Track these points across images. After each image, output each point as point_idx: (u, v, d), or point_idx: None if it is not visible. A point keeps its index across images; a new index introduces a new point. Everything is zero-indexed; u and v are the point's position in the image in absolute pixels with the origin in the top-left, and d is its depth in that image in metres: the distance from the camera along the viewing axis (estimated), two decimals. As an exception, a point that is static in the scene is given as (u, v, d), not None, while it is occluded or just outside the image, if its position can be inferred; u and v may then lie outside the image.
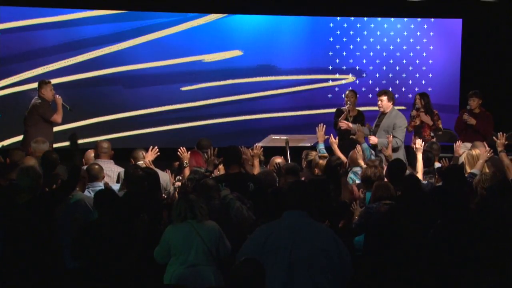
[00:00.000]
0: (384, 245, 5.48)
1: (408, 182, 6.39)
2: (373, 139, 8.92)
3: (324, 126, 8.79)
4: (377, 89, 12.79)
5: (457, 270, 5.36)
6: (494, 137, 8.13)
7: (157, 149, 7.57)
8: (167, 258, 5.54)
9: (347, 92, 10.31)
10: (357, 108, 10.25)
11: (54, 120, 9.54)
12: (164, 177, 7.44)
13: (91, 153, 8.04)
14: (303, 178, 7.10)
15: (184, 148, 7.69)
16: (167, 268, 5.56)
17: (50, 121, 9.54)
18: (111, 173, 7.74)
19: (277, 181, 7.02)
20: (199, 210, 5.54)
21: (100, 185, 6.94)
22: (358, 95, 10.34)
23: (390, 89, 12.85)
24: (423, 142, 8.22)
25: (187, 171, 7.41)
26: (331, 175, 6.88)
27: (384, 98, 9.29)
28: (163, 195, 7.07)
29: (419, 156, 7.79)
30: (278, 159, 7.63)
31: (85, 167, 7.09)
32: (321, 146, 8.45)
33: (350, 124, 9.52)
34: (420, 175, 7.56)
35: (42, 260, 5.65)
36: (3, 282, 5.60)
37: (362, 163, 7.91)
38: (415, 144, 8.02)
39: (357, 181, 7.66)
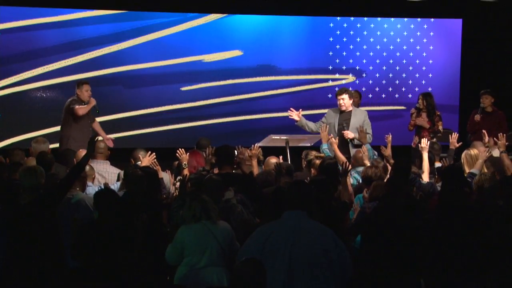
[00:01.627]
0: (374, 244, 5.50)
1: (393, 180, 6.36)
2: (350, 134, 8.95)
3: (328, 126, 8.81)
4: (377, 89, 12.84)
5: (456, 268, 5.37)
6: (494, 138, 8.14)
7: (154, 155, 7.55)
8: (180, 259, 5.48)
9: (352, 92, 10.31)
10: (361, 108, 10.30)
11: (76, 111, 9.30)
12: (164, 177, 7.44)
13: (82, 153, 7.94)
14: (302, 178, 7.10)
15: (182, 149, 7.68)
16: (178, 269, 5.50)
17: (74, 114, 9.34)
18: (106, 174, 7.72)
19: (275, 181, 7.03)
20: (213, 211, 5.52)
21: (89, 184, 6.95)
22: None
23: (390, 89, 12.92)
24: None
25: (186, 172, 7.40)
26: (327, 175, 6.87)
27: (346, 96, 9.29)
28: (163, 195, 7.06)
29: (425, 156, 7.78)
30: (274, 159, 7.62)
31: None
32: (325, 146, 8.45)
33: (300, 116, 9.45)
34: (426, 175, 7.56)
35: (45, 260, 5.64)
36: (7, 282, 5.60)
37: (367, 163, 7.91)
38: (420, 143, 8.03)
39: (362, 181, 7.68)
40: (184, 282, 5.42)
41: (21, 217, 5.68)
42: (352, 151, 8.76)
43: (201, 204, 5.50)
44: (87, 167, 7.05)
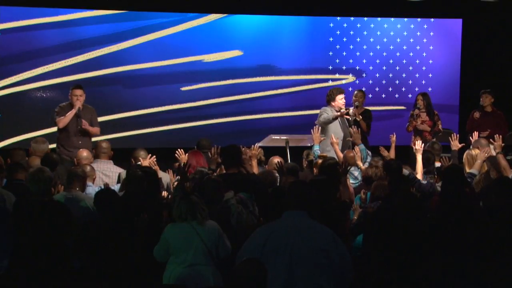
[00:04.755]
0: (377, 245, 5.49)
1: (396, 180, 6.35)
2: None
3: (320, 127, 8.77)
4: (377, 89, 12.84)
5: (455, 268, 5.37)
6: (490, 139, 8.15)
7: (154, 158, 7.53)
8: (166, 256, 5.55)
9: (356, 92, 10.28)
10: (364, 107, 10.33)
11: (57, 124, 9.15)
12: (165, 177, 7.44)
13: (83, 153, 7.95)
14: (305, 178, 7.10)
15: (182, 150, 7.68)
16: (166, 266, 5.56)
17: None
18: (111, 173, 7.73)
19: (278, 181, 7.02)
20: (200, 212, 5.54)
21: (90, 184, 6.95)
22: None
23: (390, 89, 12.93)
24: (425, 143, 8.23)
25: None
26: (328, 175, 6.87)
27: None
28: (164, 194, 7.07)
29: (419, 157, 7.79)
30: (277, 159, 7.63)
31: (81, 167, 7.09)
32: (317, 147, 8.42)
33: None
34: (419, 176, 7.56)
35: (51, 260, 5.64)
36: (12, 281, 5.59)
37: (360, 164, 7.93)
38: (414, 145, 8.03)
39: (351, 181, 7.69)
40: (170, 280, 5.45)
41: (30, 214, 5.67)
42: None
43: (187, 205, 5.53)
44: (88, 168, 7.05)
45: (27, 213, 5.69)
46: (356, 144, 8.56)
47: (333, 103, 9.40)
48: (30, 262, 5.60)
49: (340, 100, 9.35)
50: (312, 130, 8.68)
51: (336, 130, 9.25)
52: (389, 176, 6.76)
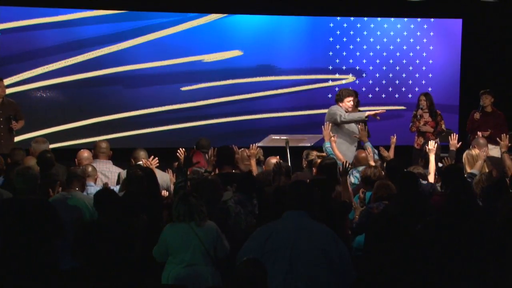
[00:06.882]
0: (382, 245, 5.49)
1: (404, 180, 6.34)
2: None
3: (330, 124, 8.82)
4: (377, 89, 12.84)
5: (456, 269, 5.37)
6: (498, 138, 8.14)
7: (157, 160, 7.54)
8: (165, 256, 5.56)
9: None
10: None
11: None
12: (165, 177, 7.44)
13: (83, 153, 7.94)
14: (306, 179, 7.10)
15: (183, 149, 7.69)
16: (165, 266, 5.57)
17: None
18: (110, 173, 7.71)
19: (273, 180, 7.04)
20: (198, 214, 5.54)
21: (91, 184, 6.94)
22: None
23: (390, 89, 12.93)
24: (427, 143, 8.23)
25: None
26: (325, 175, 6.86)
27: None
28: (164, 194, 7.06)
29: (432, 157, 7.78)
30: (274, 159, 7.62)
31: (81, 167, 7.09)
32: (328, 144, 8.47)
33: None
34: (432, 176, 7.55)
35: (36, 261, 5.63)
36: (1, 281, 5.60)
37: (373, 163, 7.89)
38: (427, 145, 8.04)
39: None
40: (169, 279, 5.46)
41: (15, 216, 5.67)
42: None
43: (186, 206, 5.53)
44: (90, 168, 7.04)
45: (12, 212, 5.69)
46: (363, 142, 8.58)
47: (341, 104, 9.40)
48: (16, 261, 5.59)
49: (348, 102, 9.36)
50: (322, 126, 8.73)
51: (353, 127, 9.29)
52: (390, 176, 6.76)
